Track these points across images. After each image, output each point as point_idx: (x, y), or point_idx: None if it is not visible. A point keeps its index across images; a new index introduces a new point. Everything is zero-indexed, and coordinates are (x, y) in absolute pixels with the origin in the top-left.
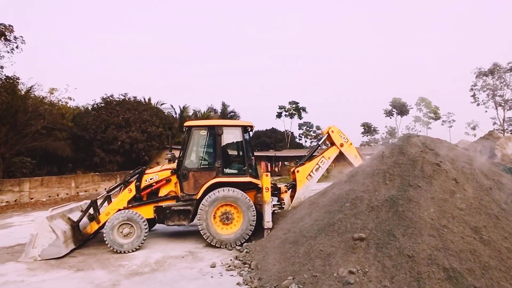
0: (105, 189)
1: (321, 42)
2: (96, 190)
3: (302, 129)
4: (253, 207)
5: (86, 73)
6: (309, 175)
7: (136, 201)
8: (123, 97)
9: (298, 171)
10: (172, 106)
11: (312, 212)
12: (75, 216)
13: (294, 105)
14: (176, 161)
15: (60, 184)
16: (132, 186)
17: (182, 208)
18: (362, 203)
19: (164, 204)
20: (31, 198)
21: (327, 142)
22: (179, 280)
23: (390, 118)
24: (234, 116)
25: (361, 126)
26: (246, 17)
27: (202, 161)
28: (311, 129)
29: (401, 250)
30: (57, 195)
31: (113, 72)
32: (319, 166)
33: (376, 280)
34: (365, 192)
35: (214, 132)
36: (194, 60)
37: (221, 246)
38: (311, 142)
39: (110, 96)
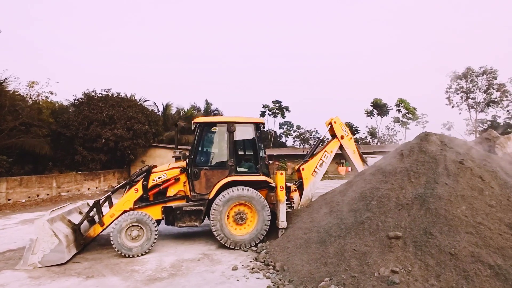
0: (89, 188)
1: (305, 41)
2: (79, 190)
3: (283, 128)
4: (268, 206)
5: (68, 68)
6: (314, 171)
7: (143, 201)
8: (106, 93)
9: (303, 169)
10: (155, 103)
11: (332, 211)
12: (74, 218)
13: (277, 104)
14: (186, 159)
15: (40, 184)
16: (139, 185)
17: (193, 208)
18: (389, 201)
19: (173, 204)
20: (9, 199)
21: (329, 135)
22: (203, 285)
23: (371, 118)
24: (218, 114)
25: None
26: (230, 14)
27: (214, 159)
28: (291, 129)
29: (441, 248)
30: (37, 196)
31: (96, 68)
32: (323, 161)
33: (422, 279)
34: (391, 190)
35: (226, 129)
36: (176, 57)
37: (236, 248)
38: (293, 142)
39: (92, 91)
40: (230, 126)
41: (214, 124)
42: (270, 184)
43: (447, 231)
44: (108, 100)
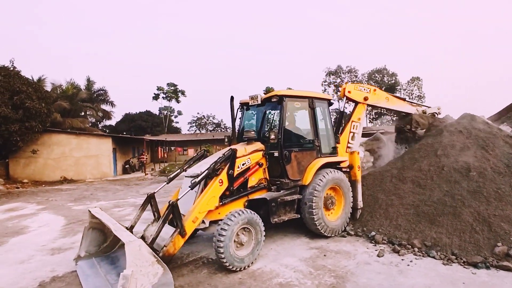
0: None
1: (208, 26)
2: None
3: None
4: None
5: None
6: (348, 147)
7: (229, 196)
8: None
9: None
10: (31, 78)
11: (421, 185)
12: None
13: (172, 87)
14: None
15: None
16: (224, 175)
17: (289, 198)
18: (486, 170)
19: (264, 195)
20: None
21: (350, 103)
22: (397, 276)
23: None
24: (104, 95)
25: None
26: None
27: (301, 139)
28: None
29: None
30: None
31: None
32: (354, 133)
33: None
34: (479, 161)
35: (308, 105)
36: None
37: (332, 235)
38: (189, 127)
39: None
40: (312, 102)
41: (298, 98)
42: (339, 166)
43: None
44: None
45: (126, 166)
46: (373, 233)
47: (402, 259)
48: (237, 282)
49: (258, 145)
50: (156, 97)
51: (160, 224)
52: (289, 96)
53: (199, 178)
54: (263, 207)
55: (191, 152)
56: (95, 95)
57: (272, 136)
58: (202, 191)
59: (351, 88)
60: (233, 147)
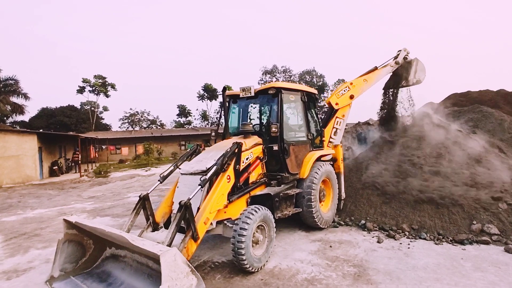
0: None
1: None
2: None
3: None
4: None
5: None
6: (329, 141)
7: (234, 193)
8: None
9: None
10: None
11: (396, 175)
12: None
13: (101, 80)
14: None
15: None
16: (231, 171)
17: (291, 192)
18: (452, 160)
19: (271, 191)
20: None
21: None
22: (406, 259)
23: (202, 101)
24: (14, 85)
25: (177, 107)
26: None
27: (296, 133)
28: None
29: None
30: None
31: None
32: (337, 129)
33: None
34: (444, 151)
35: (300, 98)
36: None
37: (325, 226)
38: (121, 124)
39: None
40: (303, 95)
41: (293, 91)
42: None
43: None
44: None
45: (54, 168)
46: (363, 221)
47: (400, 243)
48: (261, 283)
49: (257, 138)
50: (81, 90)
51: (173, 229)
52: (286, 89)
53: (209, 174)
54: (266, 203)
55: (125, 151)
56: (1, 84)
57: (274, 129)
58: (201, 188)
59: (335, 99)
60: (235, 140)
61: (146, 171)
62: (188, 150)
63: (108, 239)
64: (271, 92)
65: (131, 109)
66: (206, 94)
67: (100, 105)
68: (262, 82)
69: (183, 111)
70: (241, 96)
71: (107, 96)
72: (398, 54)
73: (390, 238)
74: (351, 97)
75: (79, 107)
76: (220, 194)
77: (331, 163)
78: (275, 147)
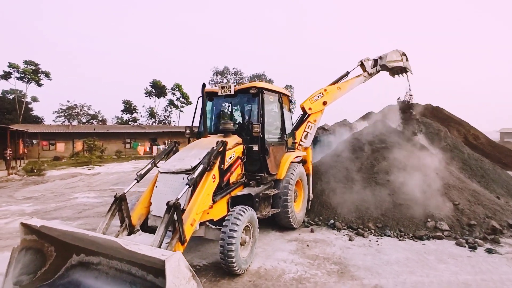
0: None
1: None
2: None
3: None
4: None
5: None
6: (299, 144)
7: (219, 193)
8: None
9: None
10: None
11: (353, 180)
12: None
13: (32, 66)
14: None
15: None
16: (216, 170)
17: (270, 193)
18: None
19: (252, 191)
20: None
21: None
22: (379, 254)
23: (150, 98)
24: None
25: (122, 103)
26: None
27: (275, 133)
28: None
29: None
30: None
31: None
32: (307, 133)
33: None
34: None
35: (277, 100)
36: None
37: (297, 226)
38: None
39: None
40: (280, 97)
41: (271, 92)
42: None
43: None
44: None
45: None
46: (331, 221)
47: (370, 240)
48: (250, 285)
49: (237, 138)
50: (6, 76)
51: (162, 232)
52: (266, 89)
53: (196, 173)
54: (247, 204)
55: (60, 147)
56: None
57: (256, 129)
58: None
59: (309, 104)
60: (218, 139)
61: (89, 169)
62: (165, 148)
63: (88, 244)
64: (253, 91)
65: (68, 101)
66: (154, 91)
67: (28, 95)
68: (213, 82)
69: (129, 107)
70: (219, 94)
71: (39, 85)
72: (364, 66)
73: (359, 236)
74: (324, 103)
75: (0, 95)
76: (206, 194)
77: (301, 164)
78: (255, 147)
